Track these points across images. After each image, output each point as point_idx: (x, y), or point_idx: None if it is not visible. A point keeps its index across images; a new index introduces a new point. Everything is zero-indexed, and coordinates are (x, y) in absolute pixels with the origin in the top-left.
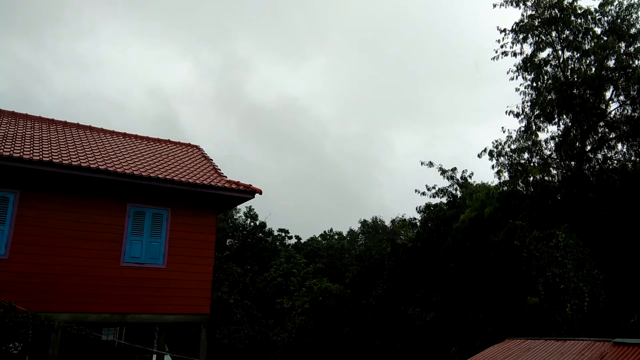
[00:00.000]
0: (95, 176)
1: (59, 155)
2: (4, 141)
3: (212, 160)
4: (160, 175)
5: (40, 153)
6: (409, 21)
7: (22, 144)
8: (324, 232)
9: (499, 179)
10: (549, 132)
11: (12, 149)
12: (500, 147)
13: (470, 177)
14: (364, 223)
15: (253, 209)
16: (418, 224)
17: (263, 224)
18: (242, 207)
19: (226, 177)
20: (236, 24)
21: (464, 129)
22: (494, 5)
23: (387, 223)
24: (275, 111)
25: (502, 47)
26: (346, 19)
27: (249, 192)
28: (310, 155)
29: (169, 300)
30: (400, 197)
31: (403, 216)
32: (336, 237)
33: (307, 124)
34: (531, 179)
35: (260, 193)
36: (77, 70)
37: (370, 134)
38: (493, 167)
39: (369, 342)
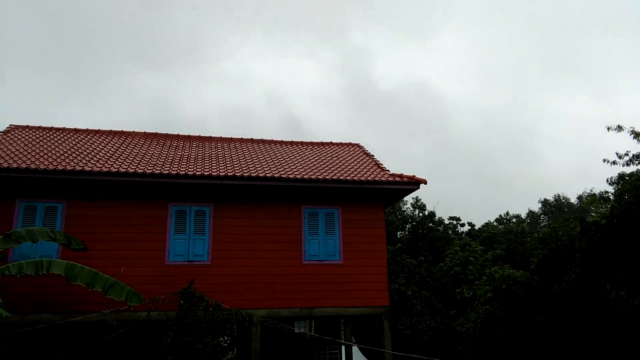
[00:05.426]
0: (274, 184)
1: (240, 170)
2: (195, 162)
3: (373, 156)
4: (328, 177)
5: (225, 169)
6: None
7: (210, 163)
8: (500, 216)
9: None
10: None
11: (202, 168)
12: None
13: None
14: (544, 202)
15: (420, 200)
16: (611, 197)
17: (432, 214)
18: (409, 199)
19: (389, 171)
20: (352, 15)
21: (634, 81)
22: None
23: (573, 200)
24: (407, 96)
25: None
26: None
27: (414, 183)
28: (453, 136)
29: (349, 294)
30: (574, 168)
31: (591, 190)
32: (514, 220)
33: (445, 103)
34: None
35: (425, 183)
36: (206, 89)
37: (520, 102)
38: None
39: (566, 330)
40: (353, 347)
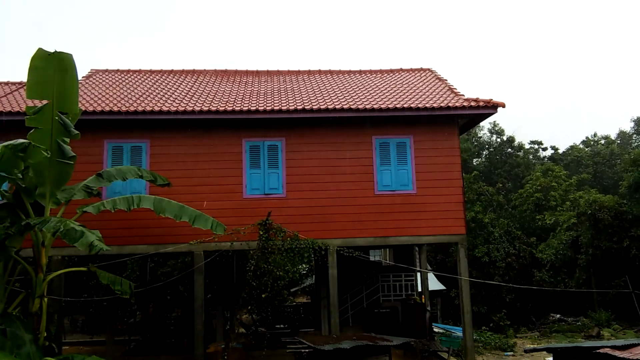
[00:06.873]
0: (344, 115)
1: (310, 103)
2: (265, 97)
3: (446, 80)
4: (399, 105)
5: (295, 103)
6: None
7: (279, 97)
8: (586, 137)
9: None
10: None
11: (272, 102)
12: None
13: None
14: (638, 121)
15: (498, 124)
16: None
17: (511, 139)
18: (485, 124)
19: (463, 95)
20: None
21: None
22: None
23: None
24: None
25: None
26: None
27: (491, 106)
28: (526, 54)
29: (423, 222)
30: None
31: None
32: (602, 142)
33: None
34: None
35: (504, 106)
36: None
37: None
38: None
39: None
40: (428, 274)
